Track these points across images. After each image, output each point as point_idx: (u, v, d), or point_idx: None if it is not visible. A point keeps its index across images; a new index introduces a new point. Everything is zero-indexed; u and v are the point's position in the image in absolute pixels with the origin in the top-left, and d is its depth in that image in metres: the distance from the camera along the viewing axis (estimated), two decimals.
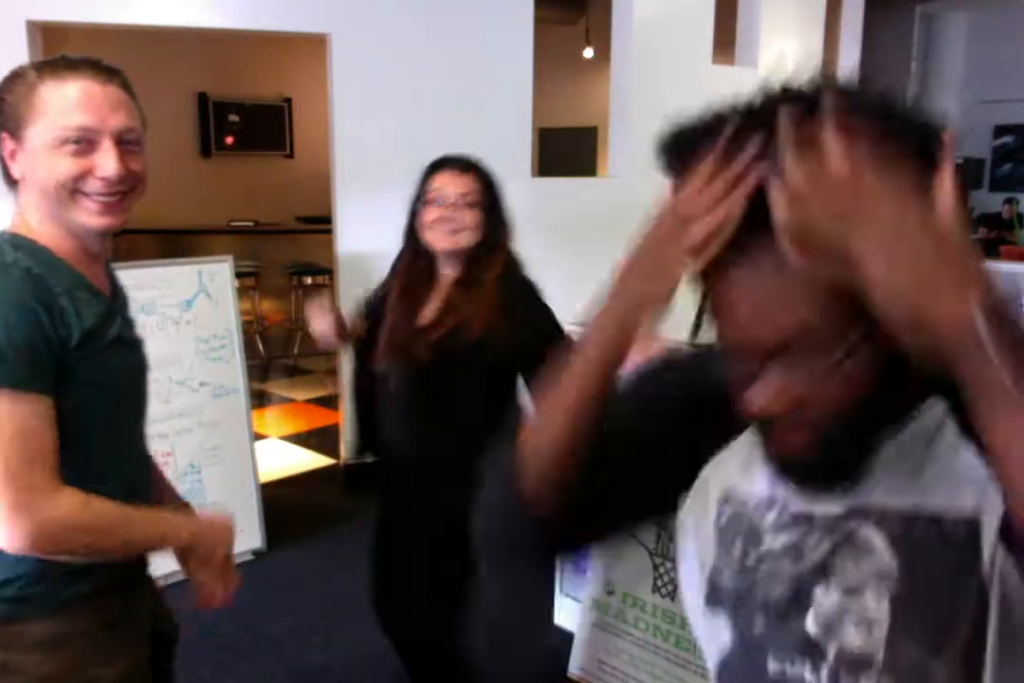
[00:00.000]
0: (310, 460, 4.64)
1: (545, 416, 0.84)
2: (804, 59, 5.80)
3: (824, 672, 0.79)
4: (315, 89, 5.81)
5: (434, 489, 2.06)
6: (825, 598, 0.78)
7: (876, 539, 0.76)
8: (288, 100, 7.97)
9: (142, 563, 1.44)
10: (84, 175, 1.15)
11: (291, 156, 8.08)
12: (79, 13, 3.71)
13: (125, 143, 1.18)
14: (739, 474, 0.83)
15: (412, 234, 2.06)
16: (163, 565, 2.66)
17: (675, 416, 0.87)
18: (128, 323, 1.33)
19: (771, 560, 0.81)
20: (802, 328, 0.67)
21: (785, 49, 5.58)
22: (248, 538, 3.45)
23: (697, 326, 0.77)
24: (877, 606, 0.75)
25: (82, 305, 1.17)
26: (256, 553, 3.45)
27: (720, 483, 0.85)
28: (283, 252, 7.05)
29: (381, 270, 4.17)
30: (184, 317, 3.28)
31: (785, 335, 0.68)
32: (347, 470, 4.30)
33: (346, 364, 4.26)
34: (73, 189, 1.16)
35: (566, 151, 8.10)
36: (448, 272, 2.05)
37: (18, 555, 1.13)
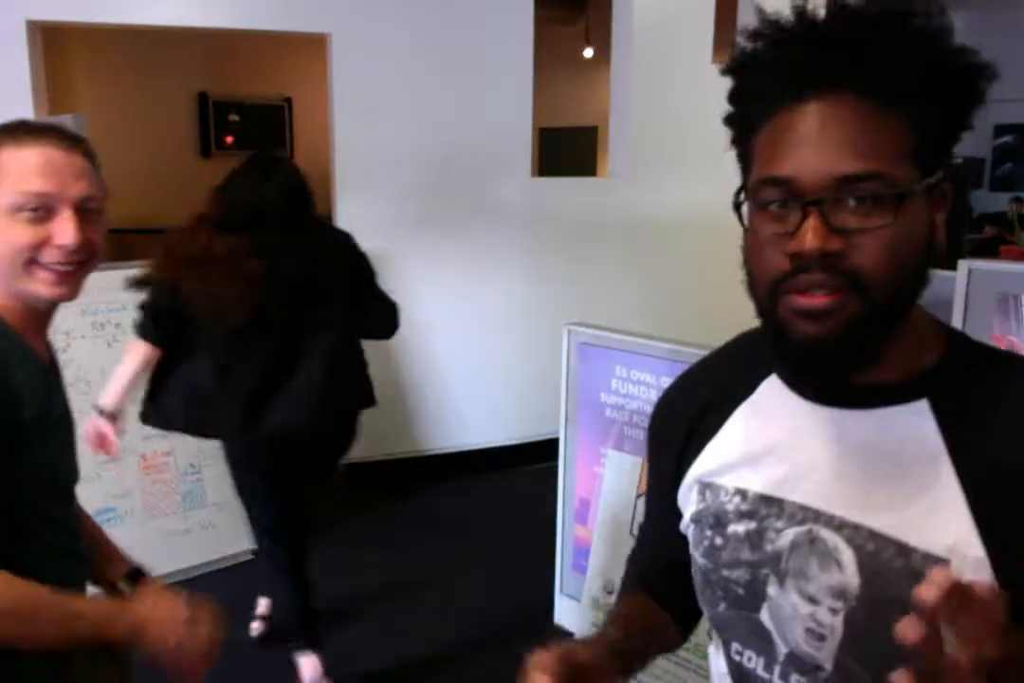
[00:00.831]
0: None
1: None
2: None
3: (776, 669, 0.81)
4: (315, 89, 5.82)
5: None
6: (780, 596, 0.79)
7: (844, 552, 0.75)
8: (288, 100, 7.96)
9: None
10: (41, 244, 1.10)
11: (291, 156, 8.07)
12: (79, 13, 3.71)
13: (85, 212, 1.13)
14: (717, 465, 0.86)
15: None
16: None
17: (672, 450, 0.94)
18: (65, 397, 1.26)
19: (733, 543, 0.82)
20: (878, 165, 0.68)
21: None
22: (248, 538, 3.44)
23: (745, 169, 0.77)
24: (831, 620, 0.75)
25: (35, 382, 1.12)
26: (256, 553, 3.45)
27: (702, 474, 0.87)
28: None
29: (381, 269, 4.18)
30: None
31: (861, 168, 0.68)
32: (347, 470, 4.30)
33: None
34: (29, 258, 1.10)
35: (566, 151, 8.10)
36: None
37: None
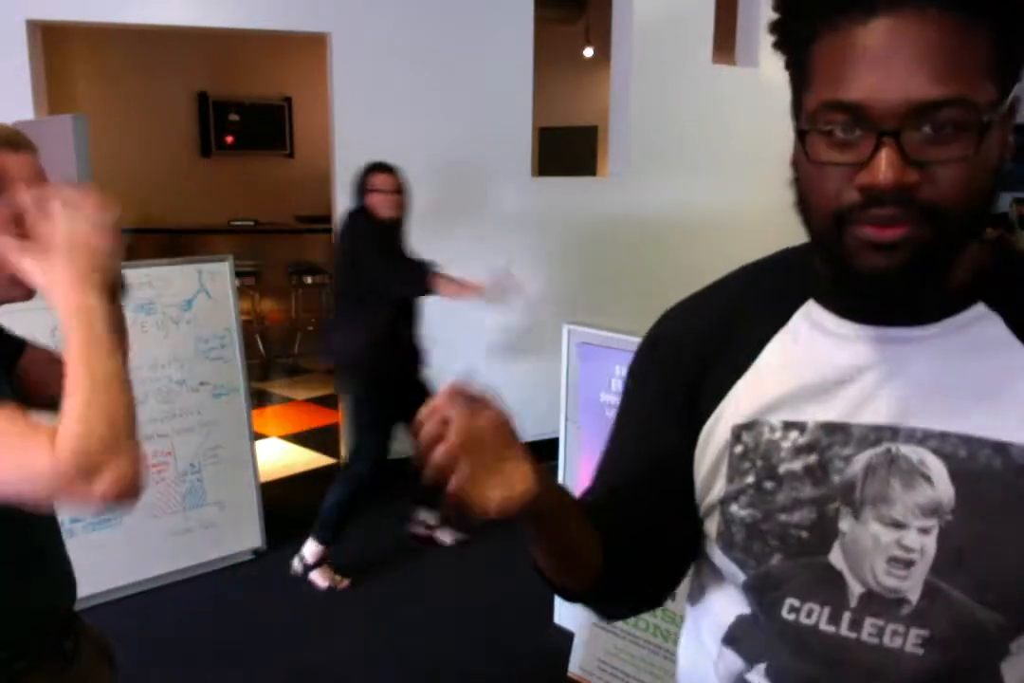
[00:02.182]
0: (310, 460, 4.64)
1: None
2: None
3: (845, 617, 0.73)
4: (315, 89, 5.82)
5: None
6: (856, 528, 0.72)
7: (932, 465, 0.70)
8: (288, 100, 7.96)
9: (64, 635, 1.20)
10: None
11: (291, 156, 8.07)
12: (79, 13, 3.71)
13: None
14: (759, 403, 0.78)
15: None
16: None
17: (670, 377, 0.85)
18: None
19: (790, 483, 0.75)
20: (960, 89, 0.61)
21: None
22: (248, 538, 3.45)
23: (799, 85, 0.70)
24: (921, 542, 0.69)
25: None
26: (256, 553, 3.45)
27: (736, 415, 0.79)
28: (283, 252, 7.05)
29: None
30: (184, 317, 3.28)
31: (941, 94, 0.61)
32: None
33: None
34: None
35: (566, 151, 8.10)
36: None
37: None
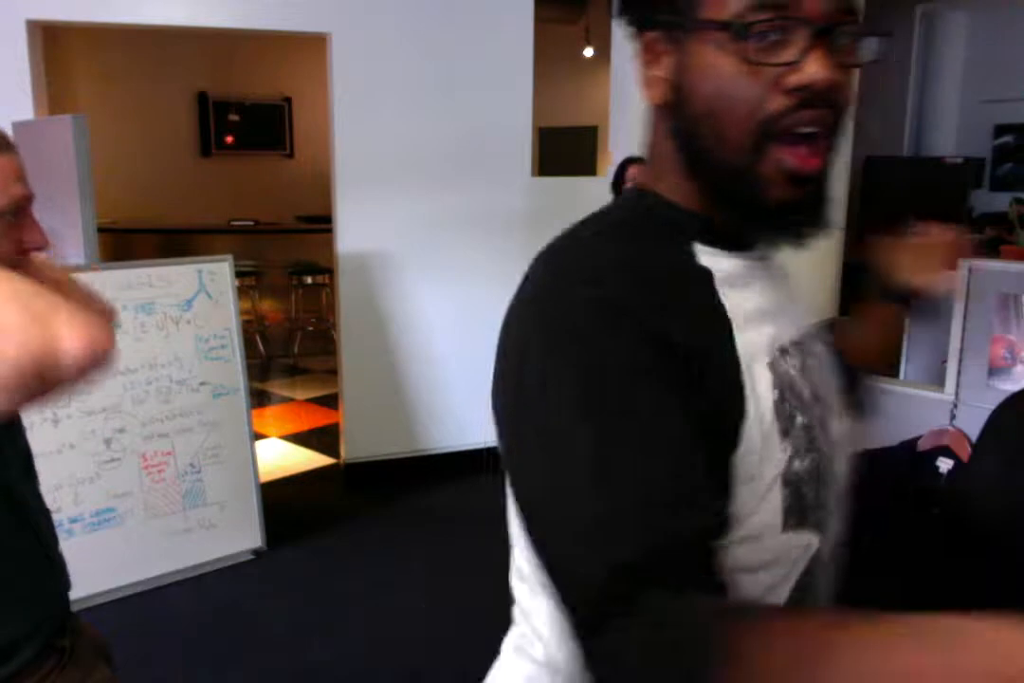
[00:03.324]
0: (310, 460, 4.64)
1: None
2: None
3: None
4: (315, 89, 5.81)
5: None
6: (836, 424, 0.80)
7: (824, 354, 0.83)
8: (288, 100, 7.96)
9: (59, 634, 1.20)
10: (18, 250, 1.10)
11: (291, 156, 8.07)
12: (79, 13, 3.71)
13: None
14: (762, 345, 0.73)
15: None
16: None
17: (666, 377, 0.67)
18: None
19: (811, 406, 0.75)
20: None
21: None
22: (248, 538, 3.45)
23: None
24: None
25: None
26: (256, 553, 3.46)
27: (763, 365, 0.73)
28: (283, 252, 7.05)
29: (381, 269, 4.21)
30: (184, 317, 3.28)
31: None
32: (347, 470, 4.30)
33: (346, 363, 4.28)
34: None
35: (566, 151, 8.10)
36: None
37: None
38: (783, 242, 0.73)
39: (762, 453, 0.68)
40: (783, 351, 0.74)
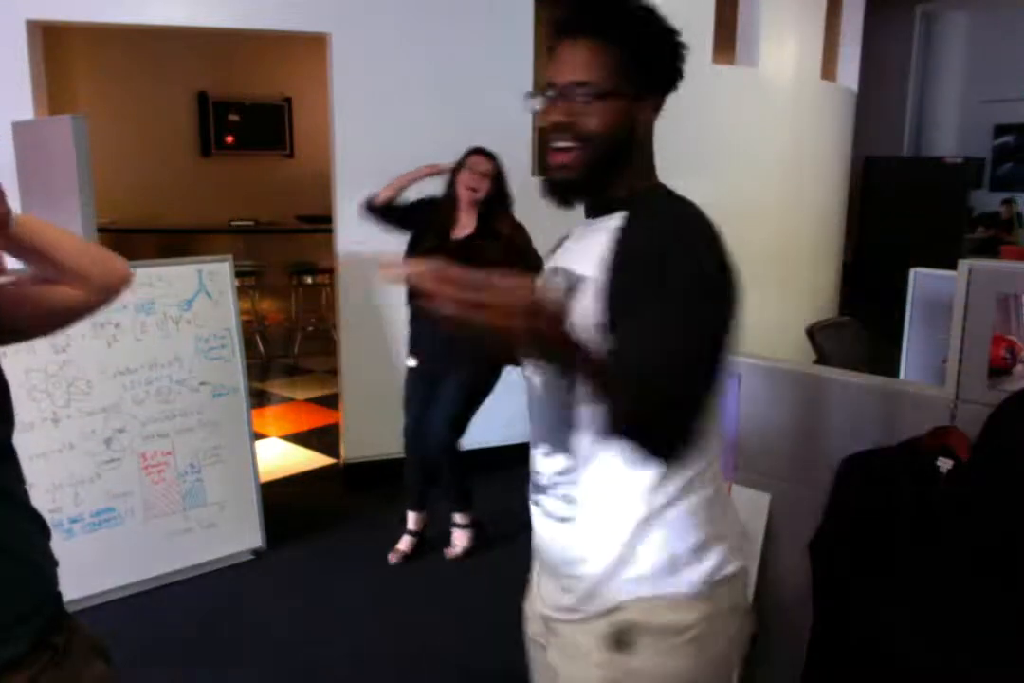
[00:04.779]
0: (310, 460, 4.64)
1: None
2: (804, 59, 5.80)
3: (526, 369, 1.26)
4: (315, 89, 5.81)
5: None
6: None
7: (558, 281, 1.20)
8: (288, 100, 7.96)
9: (52, 631, 1.21)
10: None
11: (291, 156, 8.07)
12: (79, 13, 3.71)
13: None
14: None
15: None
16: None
17: None
18: None
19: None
20: (592, 77, 1.12)
21: (785, 49, 5.58)
22: (248, 538, 3.45)
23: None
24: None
25: None
26: (256, 553, 3.46)
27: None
28: (283, 252, 7.05)
29: (380, 270, 4.09)
30: (184, 317, 3.28)
31: (579, 78, 1.12)
32: (347, 470, 4.30)
33: (346, 363, 4.27)
34: None
35: None
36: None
37: None
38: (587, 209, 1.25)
39: None
40: (548, 269, 1.26)
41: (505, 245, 3.13)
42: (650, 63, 1.16)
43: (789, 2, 5.61)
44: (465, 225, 3.22)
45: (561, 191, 1.19)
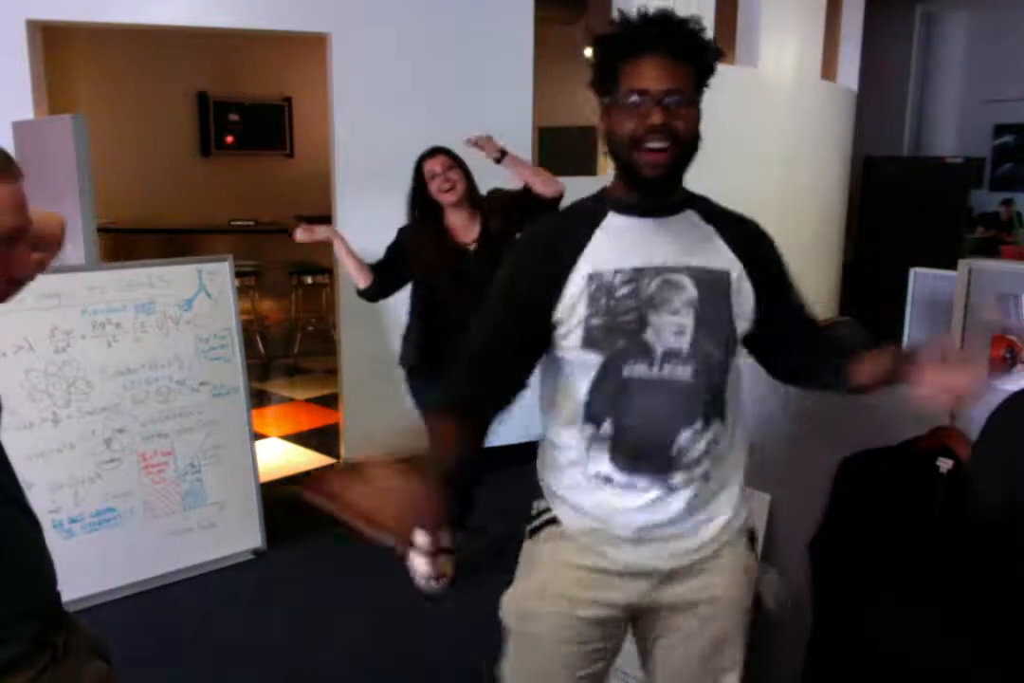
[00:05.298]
0: (310, 460, 4.64)
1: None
2: (804, 59, 5.80)
3: (655, 364, 1.36)
4: (315, 89, 5.81)
5: None
6: (655, 318, 1.36)
7: (686, 281, 1.37)
8: (288, 100, 7.96)
9: (51, 630, 1.21)
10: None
11: (291, 156, 8.08)
12: (79, 13, 3.71)
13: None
14: (596, 262, 1.37)
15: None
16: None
17: (536, 274, 1.40)
18: None
19: (621, 300, 1.35)
20: (685, 86, 1.35)
21: (785, 49, 5.58)
22: (248, 538, 3.45)
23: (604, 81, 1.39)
24: (686, 320, 1.37)
25: None
26: (256, 553, 3.46)
27: (587, 268, 1.37)
28: (283, 252, 7.04)
29: None
30: (184, 317, 3.28)
31: (676, 87, 1.33)
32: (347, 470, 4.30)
33: (346, 363, 4.28)
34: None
35: (566, 151, 8.09)
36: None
37: None
38: (652, 207, 1.42)
39: (567, 309, 1.37)
40: (617, 271, 1.36)
41: (505, 219, 3.00)
42: (707, 78, 1.38)
43: (789, 2, 5.61)
44: (460, 227, 3.05)
45: (657, 187, 1.36)
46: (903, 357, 1.37)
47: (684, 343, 1.36)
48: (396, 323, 4.26)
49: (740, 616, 1.51)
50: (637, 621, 1.54)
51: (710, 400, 1.40)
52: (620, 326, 1.34)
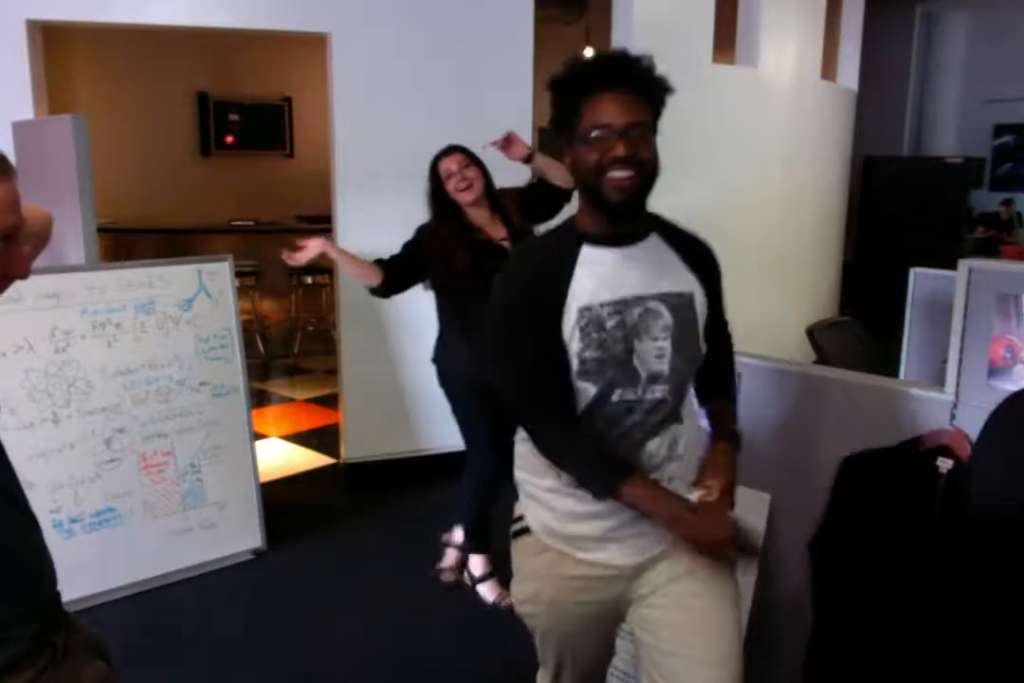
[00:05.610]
0: (310, 460, 4.64)
1: None
2: (804, 59, 5.80)
3: (640, 387, 1.46)
4: (315, 89, 5.81)
5: None
6: (639, 344, 1.46)
7: (662, 307, 1.47)
8: (288, 100, 7.96)
9: (51, 630, 1.21)
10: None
11: (291, 156, 8.07)
12: (79, 13, 3.71)
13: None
14: (585, 297, 1.44)
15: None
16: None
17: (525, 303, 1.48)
18: None
19: (611, 332, 1.44)
20: (644, 118, 1.42)
21: (785, 49, 5.58)
22: (248, 538, 3.45)
23: (565, 123, 1.46)
24: (665, 344, 1.47)
25: None
26: (256, 553, 3.46)
27: (576, 302, 1.44)
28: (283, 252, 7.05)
29: None
30: (184, 317, 3.28)
31: (637, 120, 1.41)
32: (347, 470, 4.30)
33: (346, 363, 4.27)
34: None
35: None
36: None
37: None
38: (622, 237, 1.50)
39: (568, 339, 1.45)
40: (603, 304, 1.44)
41: (522, 213, 2.95)
42: (661, 110, 1.47)
43: (789, 2, 5.61)
44: (485, 226, 2.95)
45: (624, 211, 1.44)
46: (704, 468, 1.54)
47: (664, 366, 1.47)
48: (396, 323, 4.27)
49: (722, 579, 1.53)
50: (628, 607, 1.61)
51: (675, 408, 1.52)
52: (612, 358, 1.44)
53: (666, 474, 1.51)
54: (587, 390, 1.46)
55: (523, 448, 1.59)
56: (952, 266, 2.46)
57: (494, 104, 4.33)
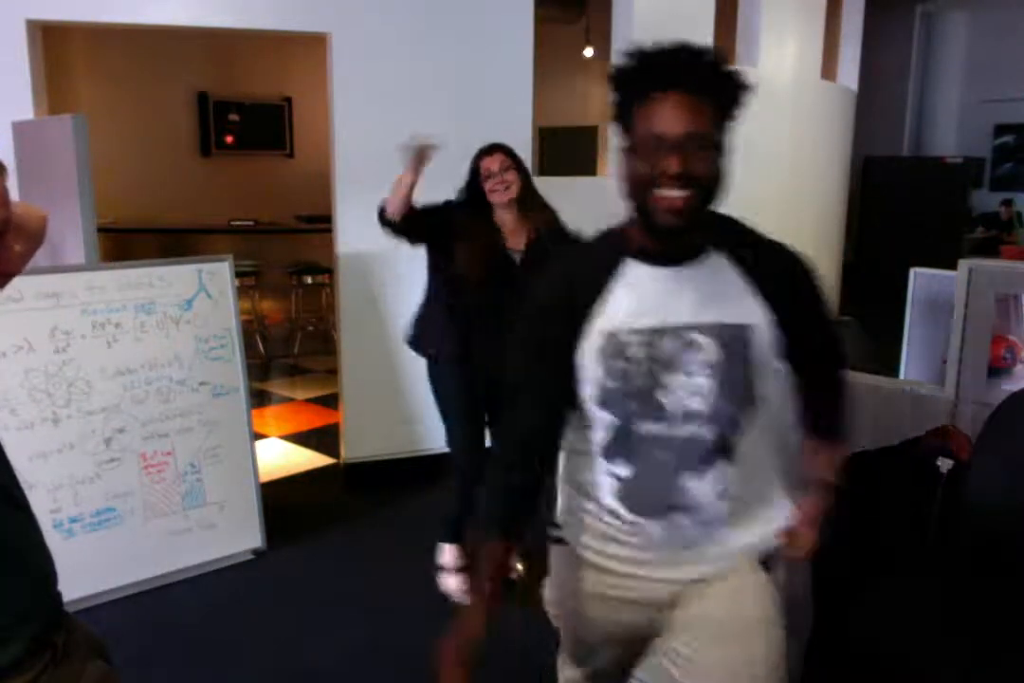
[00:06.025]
0: (310, 459, 4.64)
1: None
2: (804, 59, 5.80)
3: (667, 422, 1.32)
4: (315, 89, 5.82)
5: None
6: (669, 378, 1.30)
7: (705, 341, 1.29)
8: (288, 100, 7.96)
9: (51, 630, 1.21)
10: None
11: (291, 156, 8.07)
12: (79, 13, 3.71)
13: None
14: (614, 319, 1.30)
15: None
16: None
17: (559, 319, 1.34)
18: None
19: (634, 363, 1.30)
20: (704, 128, 1.20)
21: (785, 49, 5.58)
22: (248, 538, 3.45)
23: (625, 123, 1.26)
24: (704, 381, 1.30)
25: None
26: (256, 553, 3.46)
27: (603, 324, 1.31)
28: (283, 252, 7.05)
29: (381, 269, 4.17)
30: (184, 317, 3.28)
31: (695, 130, 1.19)
32: (347, 470, 4.30)
33: (346, 363, 4.27)
34: None
35: (566, 151, 8.10)
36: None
37: None
38: (674, 255, 1.32)
39: (588, 366, 1.32)
40: (632, 331, 1.29)
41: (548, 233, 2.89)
42: (733, 116, 1.24)
43: (789, 2, 5.61)
44: (508, 229, 2.93)
45: (675, 235, 1.26)
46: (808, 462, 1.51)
47: (703, 405, 1.30)
48: (396, 323, 4.27)
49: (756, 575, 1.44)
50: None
51: (720, 449, 1.35)
52: (633, 390, 1.30)
53: (714, 516, 1.37)
54: (606, 419, 1.35)
55: (574, 458, 1.49)
56: (952, 266, 2.46)
57: (494, 104, 4.33)
